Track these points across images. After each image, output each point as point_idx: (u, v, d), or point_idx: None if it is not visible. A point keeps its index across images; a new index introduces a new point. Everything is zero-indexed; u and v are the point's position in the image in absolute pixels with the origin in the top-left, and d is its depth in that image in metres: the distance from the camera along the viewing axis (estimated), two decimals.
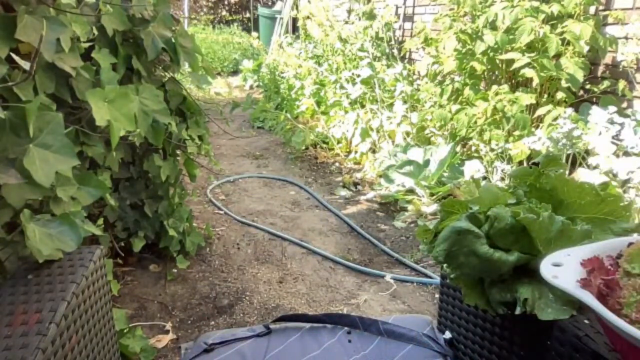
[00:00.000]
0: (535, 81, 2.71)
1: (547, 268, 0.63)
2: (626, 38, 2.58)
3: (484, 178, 2.85)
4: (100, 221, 1.75)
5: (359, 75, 4.23)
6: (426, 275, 2.32)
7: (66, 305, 0.84)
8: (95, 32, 1.49)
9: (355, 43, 4.55)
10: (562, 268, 0.62)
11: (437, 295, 2.13)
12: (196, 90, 4.42)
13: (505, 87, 2.88)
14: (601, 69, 2.78)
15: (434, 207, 2.87)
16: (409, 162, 3.17)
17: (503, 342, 0.98)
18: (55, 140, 0.98)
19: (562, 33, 2.68)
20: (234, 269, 2.35)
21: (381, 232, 2.82)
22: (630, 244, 0.65)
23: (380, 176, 3.40)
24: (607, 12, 2.68)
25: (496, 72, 3.17)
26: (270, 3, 10.89)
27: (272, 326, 1.22)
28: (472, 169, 2.88)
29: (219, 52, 8.76)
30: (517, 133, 2.75)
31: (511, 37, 2.82)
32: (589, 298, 0.55)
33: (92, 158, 1.58)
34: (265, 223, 2.88)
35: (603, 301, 0.55)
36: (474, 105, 3.01)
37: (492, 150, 2.85)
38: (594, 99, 2.74)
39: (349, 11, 5.34)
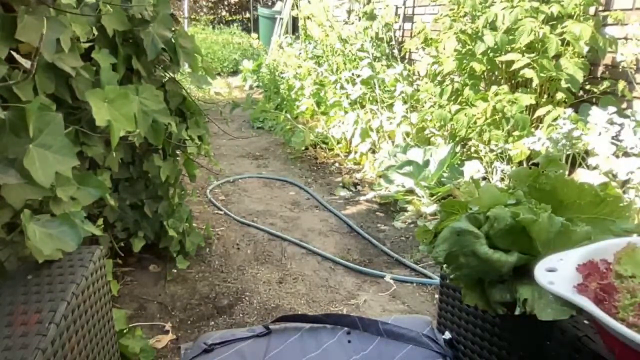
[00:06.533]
0: (535, 82, 2.71)
1: (542, 274, 0.62)
2: (626, 39, 2.58)
3: (484, 178, 2.85)
4: (100, 221, 1.75)
5: (359, 76, 4.23)
6: (426, 276, 2.32)
7: (66, 306, 0.84)
8: (95, 32, 1.49)
9: (355, 43, 4.55)
10: (557, 274, 0.62)
11: (436, 296, 2.13)
12: (196, 91, 4.43)
13: (505, 88, 2.88)
14: (601, 69, 2.78)
15: (434, 207, 2.87)
16: (409, 163, 3.17)
17: (503, 342, 0.98)
18: (55, 140, 0.98)
19: (561, 34, 2.68)
20: (234, 269, 2.35)
21: (381, 232, 2.82)
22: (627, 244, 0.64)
23: (380, 176, 3.40)
24: (606, 13, 2.68)
25: (496, 73, 3.17)
26: (270, 3, 10.89)
27: (271, 326, 1.22)
28: (472, 169, 2.89)
29: (218, 52, 8.76)
30: (516, 133, 2.75)
31: (511, 37, 2.82)
32: (587, 304, 0.55)
33: (92, 158, 1.58)
34: (265, 223, 2.88)
35: (600, 305, 0.55)
36: (473, 106, 3.01)
37: (491, 150, 2.85)
38: (594, 100, 2.74)
39: (349, 11, 5.35)
